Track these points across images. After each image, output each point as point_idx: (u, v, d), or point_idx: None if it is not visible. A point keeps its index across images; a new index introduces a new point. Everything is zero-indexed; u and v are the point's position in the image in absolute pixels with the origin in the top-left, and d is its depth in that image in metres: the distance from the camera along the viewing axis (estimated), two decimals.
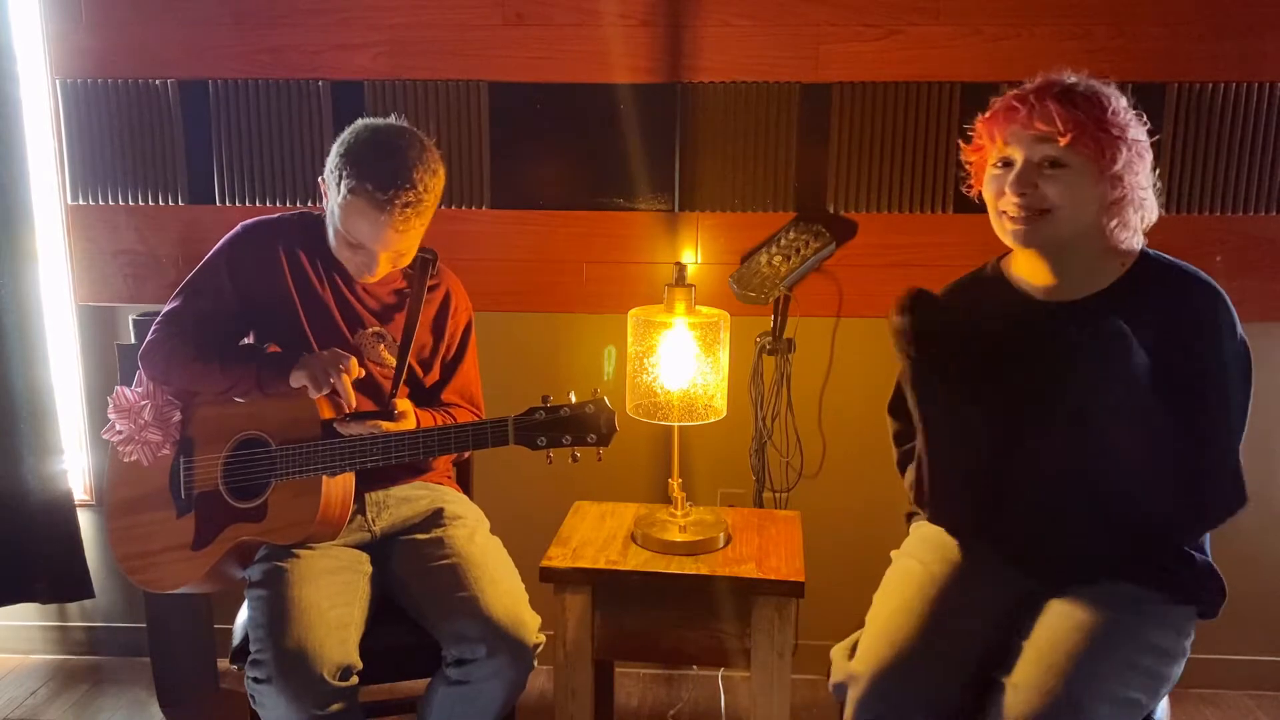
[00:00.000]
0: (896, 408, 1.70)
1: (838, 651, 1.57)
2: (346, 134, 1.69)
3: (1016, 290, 1.58)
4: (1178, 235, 2.23)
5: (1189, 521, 1.48)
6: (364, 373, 1.72)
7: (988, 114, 1.50)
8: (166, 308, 1.80)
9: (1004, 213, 1.48)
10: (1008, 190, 1.45)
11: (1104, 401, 1.40)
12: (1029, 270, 1.56)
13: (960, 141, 1.60)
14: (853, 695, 1.46)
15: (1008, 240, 1.50)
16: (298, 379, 1.67)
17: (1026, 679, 1.38)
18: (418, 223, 1.69)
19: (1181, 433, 1.40)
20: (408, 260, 1.79)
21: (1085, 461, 1.45)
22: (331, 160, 1.69)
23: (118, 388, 1.79)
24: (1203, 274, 1.48)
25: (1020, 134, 1.44)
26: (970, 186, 1.58)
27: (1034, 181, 1.43)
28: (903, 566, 1.64)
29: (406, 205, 1.63)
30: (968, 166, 1.58)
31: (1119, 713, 1.37)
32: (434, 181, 1.68)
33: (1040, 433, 1.47)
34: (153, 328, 1.79)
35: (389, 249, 1.69)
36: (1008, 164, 1.47)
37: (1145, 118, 1.48)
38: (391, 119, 1.73)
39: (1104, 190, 1.44)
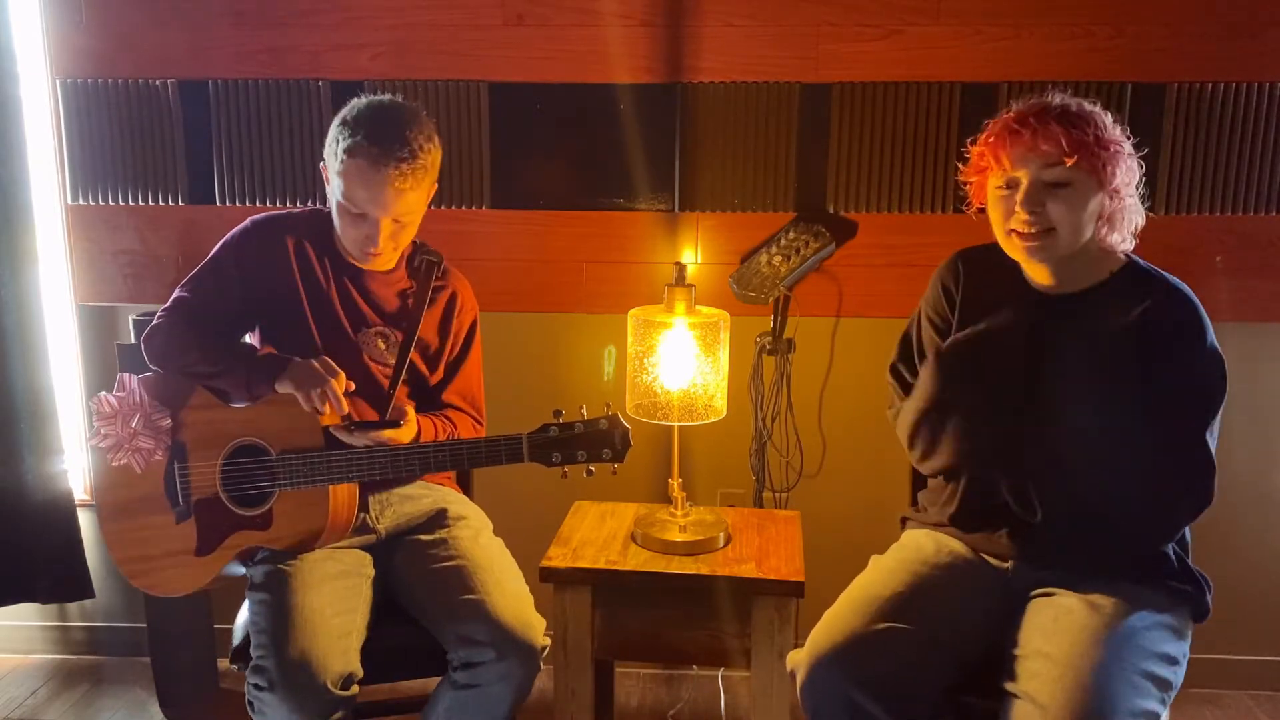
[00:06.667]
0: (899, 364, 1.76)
1: (792, 652, 1.62)
2: (345, 108, 1.73)
3: (1023, 275, 1.62)
4: (1178, 235, 2.23)
5: (1163, 517, 1.52)
6: (354, 386, 1.70)
7: (989, 137, 1.53)
8: (174, 295, 1.81)
9: (1014, 231, 1.52)
10: (1018, 209, 1.49)
11: (1084, 389, 1.50)
12: (1031, 271, 1.61)
13: (959, 164, 1.64)
14: (797, 682, 1.52)
15: (1018, 256, 1.56)
16: (284, 386, 1.66)
17: (1053, 699, 1.36)
18: (415, 186, 1.69)
19: (1159, 432, 1.47)
20: (409, 236, 1.78)
21: (1068, 453, 1.52)
22: (331, 133, 1.71)
23: (100, 394, 1.79)
24: (1181, 283, 1.54)
25: (1026, 156, 1.48)
26: (969, 205, 1.63)
27: (1042, 200, 1.48)
28: (868, 568, 1.70)
29: (402, 161, 1.65)
30: (966, 186, 1.62)
31: None
32: (430, 148, 1.70)
33: (1028, 416, 1.54)
34: (158, 313, 1.81)
35: (388, 211, 1.68)
36: (1013, 185, 1.51)
37: (1128, 130, 1.54)
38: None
39: (1103, 202, 1.50)
